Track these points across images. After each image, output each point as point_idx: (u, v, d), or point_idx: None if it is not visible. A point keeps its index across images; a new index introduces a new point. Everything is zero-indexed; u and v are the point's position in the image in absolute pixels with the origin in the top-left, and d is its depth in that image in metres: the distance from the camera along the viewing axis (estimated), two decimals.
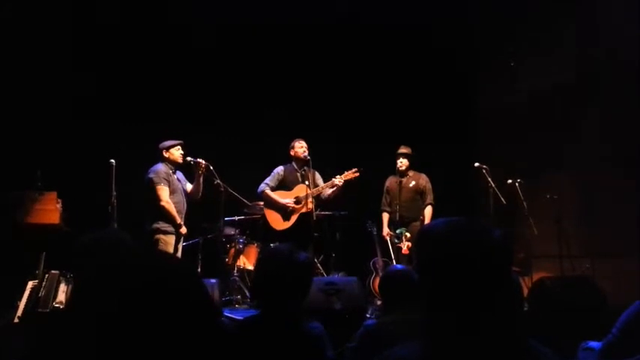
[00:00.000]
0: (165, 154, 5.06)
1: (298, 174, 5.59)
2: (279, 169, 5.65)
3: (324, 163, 5.72)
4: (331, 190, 5.47)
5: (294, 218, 5.49)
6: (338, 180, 5.37)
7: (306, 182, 5.40)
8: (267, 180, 5.61)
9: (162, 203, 4.85)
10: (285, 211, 5.52)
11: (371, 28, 6.85)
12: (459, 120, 7.29)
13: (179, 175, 5.18)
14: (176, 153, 5.09)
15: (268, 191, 5.56)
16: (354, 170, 5.42)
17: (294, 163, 5.63)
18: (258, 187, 5.59)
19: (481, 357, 1.05)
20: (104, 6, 6.25)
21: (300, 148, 5.57)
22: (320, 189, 5.48)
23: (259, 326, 1.92)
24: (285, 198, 5.53)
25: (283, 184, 5.61)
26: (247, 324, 2.01)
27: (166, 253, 1.32)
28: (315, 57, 6.97)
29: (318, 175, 5.65)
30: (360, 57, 7.04)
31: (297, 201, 5.50)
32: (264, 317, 1.94)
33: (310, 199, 5.34)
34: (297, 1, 6.58)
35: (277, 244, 5.38)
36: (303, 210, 5.43)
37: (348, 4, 6.67)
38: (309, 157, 5.49)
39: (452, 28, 6.84)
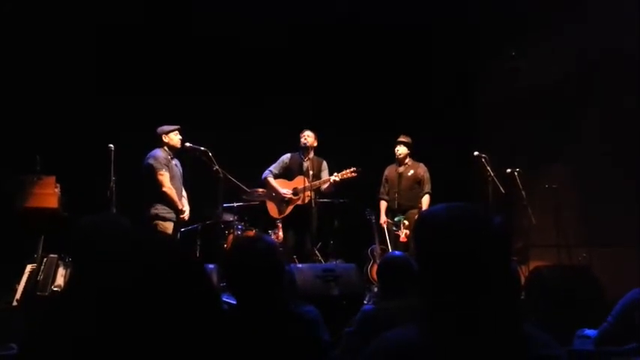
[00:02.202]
0: (165, 139, 5.05)
1: (302, 163, 5.60)
2: (286, 157, 5.68)
3: (323, 153, 5.74)
4: (327, 185, 5.49)
5: (289, 209, 5.53)
6: (333, 178, 5.40)
7: (310, 172, 5.42)
8: (272, 167, 5.66)
9: (165, 189, 4.85)
10: (281, 201, 5.55)
11: (371, 27, 6.86)
12: (459, 109, 7.30)
13: (176, 161, 5.17)
14: (175, 138, 5.08)
15: (270, 178, 5.60)
16: (352, 170, 5.43)
17: (301, 153, 5.65)
18: (262, 173, 5.64)
19: (480, 343, 1.05)
20: None
21: (302, 137, 5.60)
22: (317, 183, 5.51)
23: (237, 317, 1.89)
24: (285, 188, 5.56)
25: (288, 172, 5.65)
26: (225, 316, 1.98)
27: (167, 238, 1.32)
28: (319, 54, 6.98)
29: (324, 165, 5.67)
30: (359, 52, 7.05)
31: (295, 192, 5.51)
32: (239, 308, 1.92)
33: (307, 192, 5.36)
34: (297, 1, 6.56)
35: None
36: (299, 202, 5.46)
37: (349, 4, 6.65)
38: (308, 145, 5.51)
39: (452, 28, 6.84)
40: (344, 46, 7.01)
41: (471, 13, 6.88)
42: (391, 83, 7.19)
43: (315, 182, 5.49)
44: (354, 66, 7.10)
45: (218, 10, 6.48)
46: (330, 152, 5.79)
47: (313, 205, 5.34)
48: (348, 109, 7.00)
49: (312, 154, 5.61)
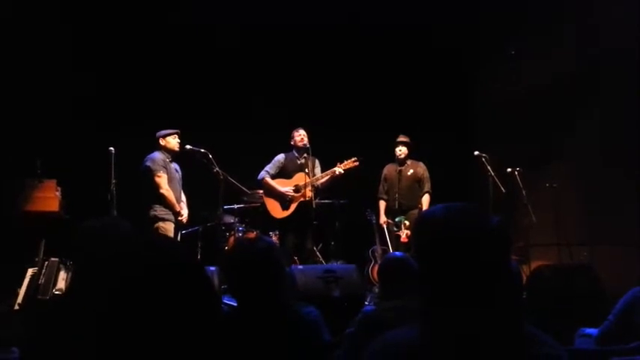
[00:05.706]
0: (162, 143, 5.05)
1: (298, 162, 5.58)
2: (280, 157, 5.65)
3: (324, 153, 5.73)
4: (326, 179, 5.47)
5: (293, 207, 5.49)
6: (338, 169, 5.37)
7: (306, 170, 5.40)
8: (268, 167, 5.61)
9: (162, 191, 4.85)
10: (284, 200, 5.53)
11: (371, 27, 6.85)
12: (459, 109, 7.31)
13: (176, 165, 5.17)
14: (173, 141, 5.08)
15: (268, 179, 5.56)
16: (353, 159, 5.42)
17: (294, 152, 5.63)
18: (258, 175, 5.60)
19: (479, 344, 1.05)
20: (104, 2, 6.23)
21: (299, 136, 5.57)
22: (319, 177, 5.48)
23: (237, 319, 1.89)
24: (285, 186, 5.53)
25: (284, 172, 5.62)
26: (226, 317, 1.98)
27: (168, 240, 1.32)
28: (317, 54, 6.98)
29: (317, 163, 5.65)
30: (358, 52, 7.06)
31: (297, 189, 5.49)
32: (240, 310, 1.92)
33: (309, 188, 5.35)
34: (297, 1, 6.55)
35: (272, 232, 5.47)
36: (302, 199, 5.44)
37: (349, 4, 6.65)
38: (308, 145, 5.49)
39: (452, 27, 6.84)
40: (343, 46, 7.00)
41: (471, 12, 6.88)
42: (390, 83, 7.18)
43: (317, 177, 5.48)
44: (354, 66, 7.09)
45: (218, 11, 6.48)
46: (328, 152, 5.76)
47: (313, 204, 5.32)
48: (347, 109, 6.99)
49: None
